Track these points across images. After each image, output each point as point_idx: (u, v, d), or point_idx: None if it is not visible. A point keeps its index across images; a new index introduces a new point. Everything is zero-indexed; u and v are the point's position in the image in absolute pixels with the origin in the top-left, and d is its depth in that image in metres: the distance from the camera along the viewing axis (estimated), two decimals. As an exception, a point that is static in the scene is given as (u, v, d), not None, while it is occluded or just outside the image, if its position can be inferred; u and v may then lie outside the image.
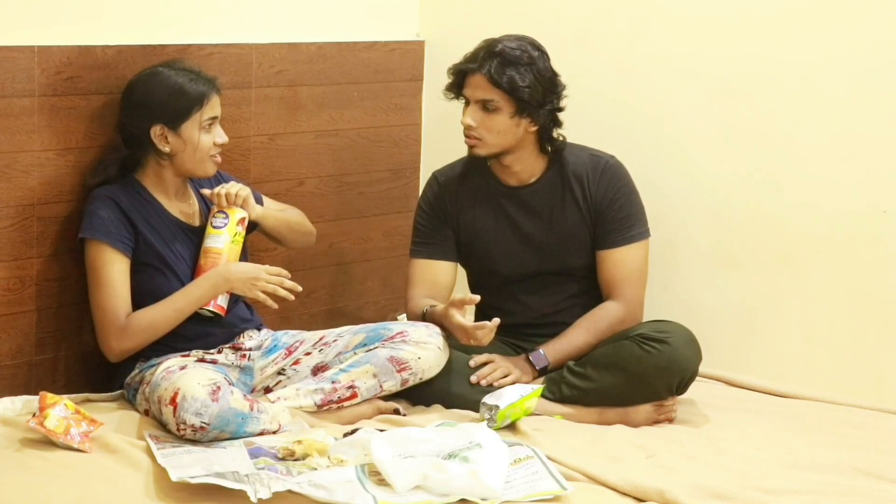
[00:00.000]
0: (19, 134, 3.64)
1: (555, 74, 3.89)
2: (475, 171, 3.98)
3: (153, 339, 3.65)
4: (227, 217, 3.72)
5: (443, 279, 3.98)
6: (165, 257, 3.69)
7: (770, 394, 4.10)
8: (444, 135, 4.62)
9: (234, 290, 3.68)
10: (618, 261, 3.93)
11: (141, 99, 3.68)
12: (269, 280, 3.66)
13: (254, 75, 4.12)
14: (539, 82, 3.82)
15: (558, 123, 3.91)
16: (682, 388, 3.81)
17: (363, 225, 4.50)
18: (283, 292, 3.66)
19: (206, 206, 3.82)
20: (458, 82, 3.87)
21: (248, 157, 4.14)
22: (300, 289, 3.70)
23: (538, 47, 3.87)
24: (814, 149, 4.11)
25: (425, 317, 3.87)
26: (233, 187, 3.74)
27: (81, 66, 3.73)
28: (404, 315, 4.48)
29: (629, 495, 3.27)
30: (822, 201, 4.11)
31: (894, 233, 4.02)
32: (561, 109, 3.90)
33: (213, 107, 3.70)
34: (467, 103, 3.86)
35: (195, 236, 3.76)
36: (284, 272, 3.68)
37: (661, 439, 3.64)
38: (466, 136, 3.86)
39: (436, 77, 4.60)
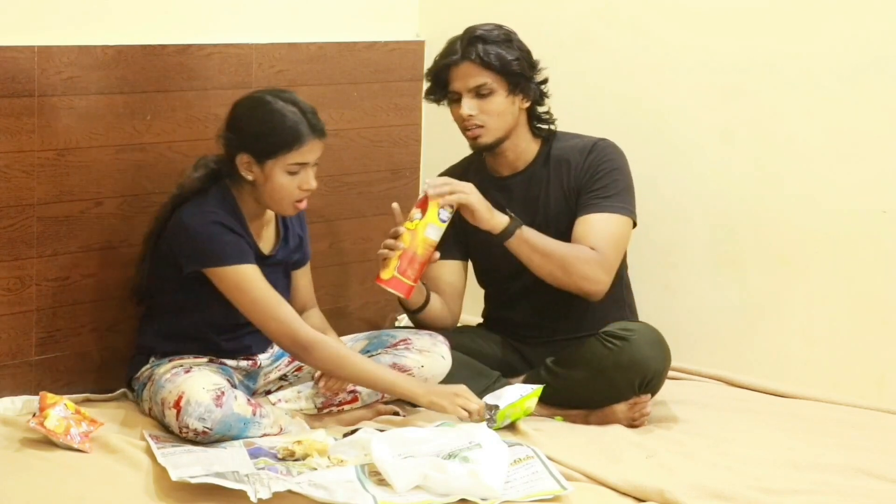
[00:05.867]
0: (19, 134, 3.64)
1: (529, 50, 3.88)
2: (473, 168, 3.96)
3: (330, 372, 3.61)
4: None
5: (446, 277, 3.96)
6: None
7: (770, 394, 4.10)
8: (444, 135, 4.61)
9: (433, 408, 3.60)
10: (589, 226, 3.79)
11: (238, 123, 3.59)
12: (468, 399, 3.58)
13: (254, 75, 4.12)
14: (523, 56, 3.83)
15: (544, 98, 3.89)
16: (646, 387, 3.74)
17: (363, 225, 4.49)
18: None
19: (287, 239, 3.74)
20: (443, 80, 3.84)
21: (248, 157, 4.14)
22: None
23: (507, 27, 3.87)
24: (814, 148, 4.11)
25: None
26: None
27: (81, 66, 3.73)
28: (405, 315, 4.49)
29: (629, 495, 3.27)
30: (823, 201, 4.11)
31: (894, 233, 4.02)
32: (545, 82, 3.88)
33: (305, 153, 3.54)
34: (456, 99, 3.82)
35: (262, 261, 3.65)
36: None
37: (661, 439, 3.64)
38: (466, 128, 3.82)
39: (436, 77, 4.60)
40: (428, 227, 3.65)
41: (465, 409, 3.55)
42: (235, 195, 3.62)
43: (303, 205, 3.60)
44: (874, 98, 4.01)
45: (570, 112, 4.30)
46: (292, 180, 3.55)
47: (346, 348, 3.65)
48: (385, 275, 3.65)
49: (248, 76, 4.11)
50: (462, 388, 3.61)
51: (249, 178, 3.57)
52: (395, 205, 3.73)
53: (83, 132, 3.76)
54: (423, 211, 3.66)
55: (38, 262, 3.71)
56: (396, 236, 3.66)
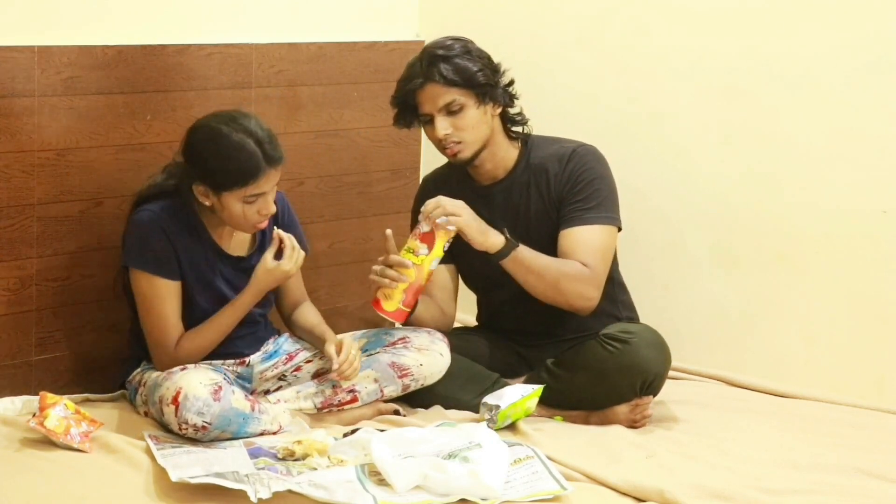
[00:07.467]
0: (19, 134, 3.64)
1: (489, 56, 3.83)
2: (456, 175, 3.92)
3: (205, 355, 3.64)
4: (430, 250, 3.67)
5: (438, 280, 3.91)
6: (207, 284, 3.65)
7: (770, 394, 4.10)
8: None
9: (279, 282, 3.66)
10: (573, 239, 3.77)
11: (194, 154, 3.56)
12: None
13: (254, 75, 4.12)
14: (485, 64, 3.78)
15: (514, 100, 3.85)
16: (647, 389, 3.74)
17: (363, 225, 4.50)
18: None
19: (263, 245, 3.71)
20: (412, 105, 3.79)
21: (248, 157, 4.14)
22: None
23: (464, 38, 3.82)
24: (814, 148, 4.11)
25: None
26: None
27: (81, 66, 3.73)
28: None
29: (629, 495, 3.27)
30: (822, 201, 4.11)
31: (894, 233, 4.02)
32: (511, 83, 3.84)
33: (262, 184, 3.52)
34: (428, 121, 3.78)
35: (233, 264, 3.69)
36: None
37: (661, 439, 3.64)
38: (445, 147, 3.78)
39: (436, 77, 4.60)
40: (434, 262, 3.68)
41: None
42: (195, 204, 3.62)
43: (263, 225, 3.61)
44: (874, 98, 4.01)
45: (569, 112, 4.31)
46: (250, 208, 3.55)
47: (198, 331, 3.62)
48: (389, 307, 3.66)
49: (248, 76, 4.11)
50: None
51: (207, 203, 3.57)
52: (388, 231, 3.72)
53: (83, 132, 3.76)
54: (430, 246, 3.66)
55: (38, 262, 3.71)
56: (389, 264, 3.65)
